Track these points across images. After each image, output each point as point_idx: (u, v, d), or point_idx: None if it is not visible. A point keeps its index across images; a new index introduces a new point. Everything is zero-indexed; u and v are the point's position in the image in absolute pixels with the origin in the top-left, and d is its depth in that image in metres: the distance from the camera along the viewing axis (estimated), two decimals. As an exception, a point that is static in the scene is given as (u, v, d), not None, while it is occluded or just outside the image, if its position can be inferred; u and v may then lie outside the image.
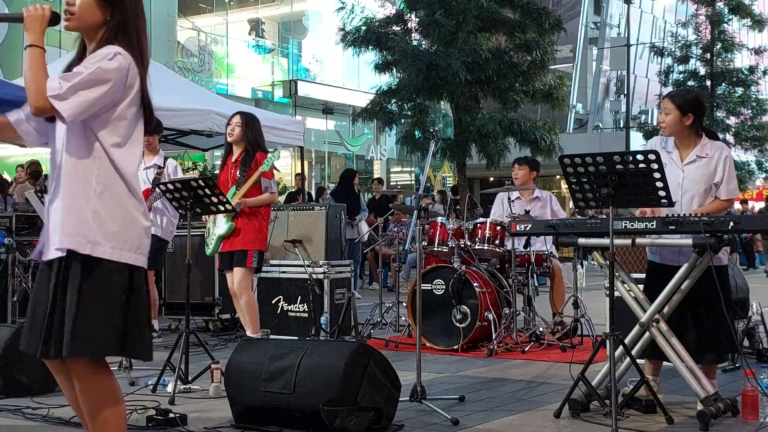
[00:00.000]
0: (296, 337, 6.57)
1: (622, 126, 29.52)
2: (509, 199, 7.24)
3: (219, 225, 5.92)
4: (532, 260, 6.96)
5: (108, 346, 2.66)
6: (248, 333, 5.88)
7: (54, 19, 2.70)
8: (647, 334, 4.33)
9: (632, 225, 4.25)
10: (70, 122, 2.62)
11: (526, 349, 6.45)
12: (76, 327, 2.58)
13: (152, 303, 6.89)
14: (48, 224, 2.73)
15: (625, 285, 4.43)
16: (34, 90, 2.57)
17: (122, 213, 2.70)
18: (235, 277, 5.82)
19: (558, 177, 30.29)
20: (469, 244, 6.85)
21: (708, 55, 25.18)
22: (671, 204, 4.09)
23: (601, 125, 33.79)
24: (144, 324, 2.77)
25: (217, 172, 6.58)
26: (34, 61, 2.60)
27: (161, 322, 8.25)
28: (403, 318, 7.50)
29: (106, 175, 2.70)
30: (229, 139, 5.98)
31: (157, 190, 6.39)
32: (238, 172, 5.86)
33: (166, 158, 6.85)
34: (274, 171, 6.01)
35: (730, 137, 24.99)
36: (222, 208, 5.28)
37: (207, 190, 5.14)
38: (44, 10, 2.67)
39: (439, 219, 7.13)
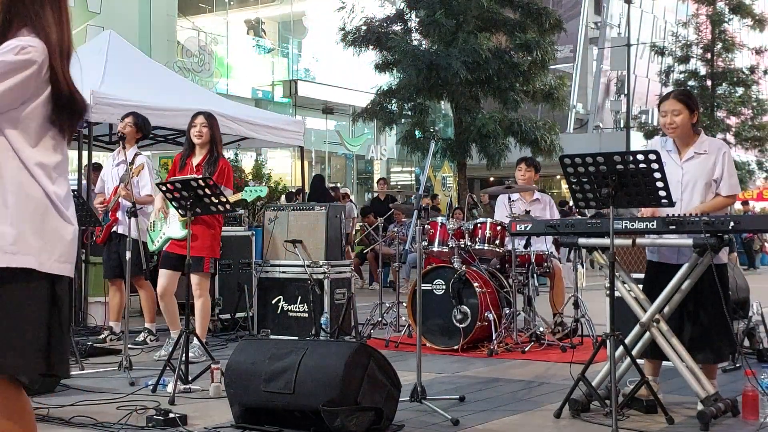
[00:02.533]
0: (296, 337, 6.57)
1: (622, 126, 29.53)
2: (510, 199, 7.24)
3: (172, 227, 6.05)
4: (533, 260, 6.96)
5: (29, 363, 2.36)
6: (197, 332, 5.76)
7: None
8: (647, 334, 4.32)
9: (632, 225, 4.25)
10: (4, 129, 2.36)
11: (526, 349, 6.45)
12: None
13: (151, 305, 6.89)
14: None
15: (626, 285, 4.42)
16: None
17: (41, 220, 2.39)
18: (193, 281, 5.89)
19: (558, 177, 30.31)
20: (469, 244, 6.84)
21: (708, 55, 25.18)
22: (671, 204, 4.08)
23: (601, 125, 33.80)
24: (66, 338, 2.49)
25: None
26: None
27: (161, 322, 8.24)
28: (403, 318, 7.50)
29: (21, 181, 2.39)
30: (198, 141, 6.07)
31: (120, 186, 6.49)
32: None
33: (136, 155, 6.75)
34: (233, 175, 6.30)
35: (730, 137, 25.00)
36: (222, 209, 5.30)
37: (207, 190, 5.15)
38: None
39: (440, 219, 7.13)
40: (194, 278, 5.92)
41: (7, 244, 2.33)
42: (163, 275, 6.04)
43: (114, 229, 6.79)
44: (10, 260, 2.32)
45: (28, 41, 2.37)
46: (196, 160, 6.09)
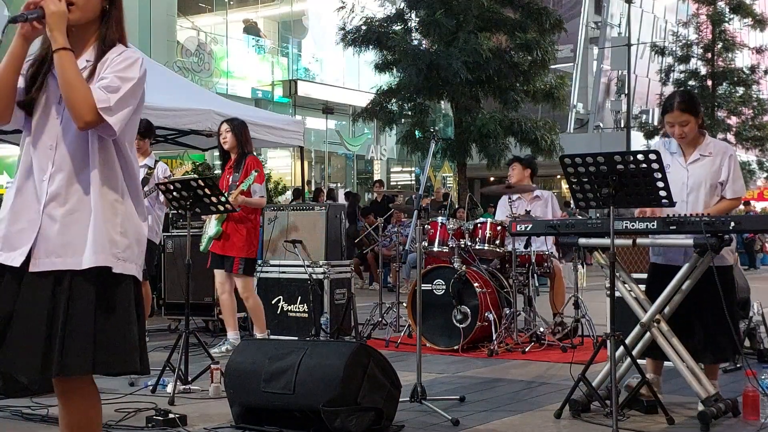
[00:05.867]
0: (296, 338, 6.57)
1: (622, 126, 29.52)
2: (510, 199, 7.23)
3: (211, 225, 6.25)
4: (533, 260, 6.95)
5: (133, 362, 2.57)
6: (256, 333, 6.31)
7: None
8: (648, 334, 4.32)
9: (633, 225, 4.25)
10: (118, 136, 2.50)
11: (526, 350, 6.45)
12: (99, 342, 2.45)
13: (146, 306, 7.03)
14: (43, 228, 2.46)
15: (626, 285, 4.42)
16: (81, 102, 2.39)
17: (135, 225, 2.57)
18: (237, 284, 6.22)
19: (558, 177, 30.28)
20: (469, 244, 6.84)
21: (709, 55, 25.17)
22: (672, 204, 4.08)
23: (601, 125, 33.79)
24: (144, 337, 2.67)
25: (218, 172, 6.74)
26: (72, 68, 2.42)
27: (161, 322, 8.25)
28: (404, 318, 7.50)
29: (125, 184, 2.56)
30: (225, 147, 6.40)
31: (145, 189, 6.56)
32: (231, 177, 6.24)
33: (156, 160, 6.90)
34: (264, 176, 6.44)
35: (731, 137, 24.99)
36: (222, 208, 5.32)
37: (207, 190, 5.16)
38: (62, 3, 2.45)
39: (440, 219, 7.12)
40: (238, 282, 6.21)
41: (120, 253, 2.50)
42: (217, 274, 6.31)
43: None
44: (123, 267, 2.50)
45: (135, 53, 2.61)
46: (230, 164, 6.42)
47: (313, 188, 18.47)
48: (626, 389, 4.32)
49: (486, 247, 6.88)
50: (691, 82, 25.21)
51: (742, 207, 20.83)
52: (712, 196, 4.44)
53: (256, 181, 6.15)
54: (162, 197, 6.41)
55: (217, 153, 12.56)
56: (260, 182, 6.20)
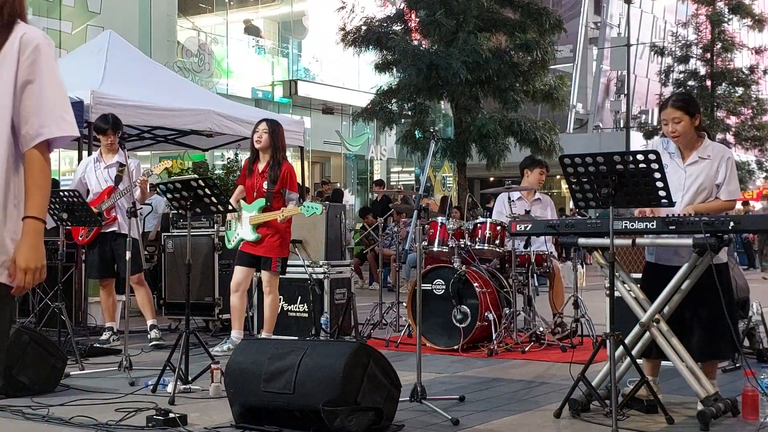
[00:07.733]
0: (296, 337, 6.58)
1: (622, 126, 29.52)
2: (510, 199, 7.24)
3: (245, 229, 6.27)
4: (533, 260, 6.96)
5: None
6: (263, 332, 6.37)
7: None
8: (647, 334, 4.33)
9: (632, 225, 4.25)
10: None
11: (526, 349, 6.45)
12: None
13: (149, 302, 7.00)
14: None
15: (626, 285, 4.43)
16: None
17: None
18: (264, 279, 6.35)
19: (558, 177, 30.29)
20: (469, 244, 6.84)
21: (708, 55, 25.19)
22: (671, 204, 4.09)
23: (601, 125, 33.78)
24: None
25: (218, 172, 6.71)
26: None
27: (161, 322, 8.25)
28: (403, 318, 7.50)
29: (22, 188, 2.30)
30: (257, 146, 6.31)
31: (119, 187, 6.55)
32: (265, 184, 6.21)
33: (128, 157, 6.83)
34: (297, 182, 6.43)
35: (730, 137, 25.02)
36: (221, 208, 5.34)
37: (207, 190, 5.16)
38: None
39: (439, 219, 7.13)
40: (264, 276, 6.32)
41: (6, 261, 2.26)
42: (238, 271, 6.36)
43: (113, 228, 6.78)
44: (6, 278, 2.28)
45: (45, 36, 2.30)
46: (261, 166, 6.34)
47: (317, 188, 18.45)
48: (623, 397, 4.30)
49: (486, 247, 6.88)
50: (691, 83, 25.23)
51: (740, 207, 20.86)
52: (708, 198, 4.44)
53: (292, 189, 6.24)
54: (137, 194, 6.40)
55: (217, 153, 12.51)
56: (295, 190, 6.29)
